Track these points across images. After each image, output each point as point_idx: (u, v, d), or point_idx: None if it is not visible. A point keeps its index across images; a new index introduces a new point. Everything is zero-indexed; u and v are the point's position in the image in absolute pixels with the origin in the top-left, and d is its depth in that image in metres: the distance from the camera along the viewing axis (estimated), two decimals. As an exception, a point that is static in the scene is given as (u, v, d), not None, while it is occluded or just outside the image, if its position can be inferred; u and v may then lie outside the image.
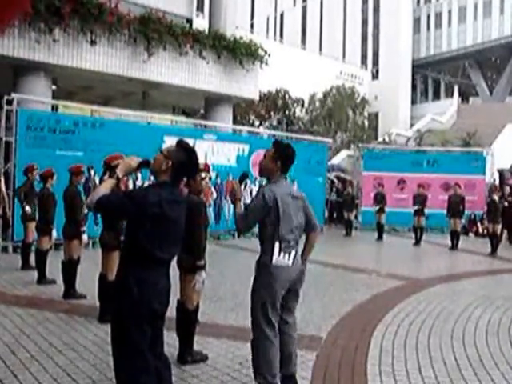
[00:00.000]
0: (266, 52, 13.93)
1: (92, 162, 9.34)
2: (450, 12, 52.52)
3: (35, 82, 10.65)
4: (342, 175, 21.02)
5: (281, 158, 3.20)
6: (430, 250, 12.12)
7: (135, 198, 2.58)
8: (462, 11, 51.68)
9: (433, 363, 4.15)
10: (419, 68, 51.74)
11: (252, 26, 49.89)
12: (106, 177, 2.81)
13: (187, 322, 3.98)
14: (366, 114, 38.08)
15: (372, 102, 40.48)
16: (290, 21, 54.48)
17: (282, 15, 56.03)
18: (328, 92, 35.79)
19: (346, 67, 44.58)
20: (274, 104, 31.15)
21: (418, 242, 12.63)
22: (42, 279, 6.67)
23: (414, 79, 50.16)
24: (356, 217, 16.07)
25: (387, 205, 13.78)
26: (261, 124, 30.38)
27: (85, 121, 10.10)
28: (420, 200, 12.82)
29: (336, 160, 28.08)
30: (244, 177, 3.41)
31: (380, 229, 13.51)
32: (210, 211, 11.50)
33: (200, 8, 24.48)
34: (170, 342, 3.92)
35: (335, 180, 19.30)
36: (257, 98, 15.76)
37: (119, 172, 2.67)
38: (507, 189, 13.72)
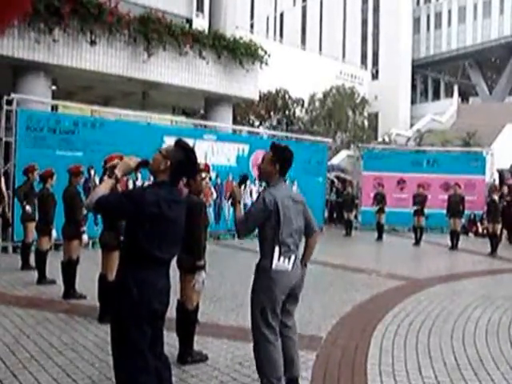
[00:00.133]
0: (265, 52, 13.93)
1: (92, 162, 9.35)
2: (449, 12, 52.53)
3: (35, 82, 10.65)
4: (342, 175, 21.02)
5: (279, 160, 3.19)
6: (430, 250, 12.12)
7: (133, 198, 2.58)
8: (461, 11, 51.68)
9: (433, 363, 4.15)
10: (419, 68, 51.76)
11: (252, 26, 49.90)
12: (105, 177, 2.81)
13: (187, 322, 3.98)
14: (365, 114, 38.05)
15: (372, 102, 40.46)
16: (290, 21, 54.47)
17: (281, 15, 56.02)
18: (328, 92, 35.77)
19: (346, 67, 44.57)
20: (274, 104, 31.13)
21: (417, 241, 12.63)
22: (42, 279, 6.67)
23: (413, 79, 50.17)
24: (356, 217, 16.08)
25: (387, 205, 13.79)
26: (261, 124, 30.37)
27: (85, 121, 10.09)
28: (419, 200, 12.82)
29: (336, 160, 28.07)
30: (244, 179, 3.40)
31: (380, 229, 13.51)
32: (210, 211, 11.50)
33: (200, 8, 24.49)
34: (170, 342, 3.92)
35: (335, 180, 19.30)
36: (257, 98, 15.76)
37: (118, 172, 2.66)
38: (505, 189, 13.73)
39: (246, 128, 17.94)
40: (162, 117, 12.72)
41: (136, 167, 2.70)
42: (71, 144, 9.66)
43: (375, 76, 48.10)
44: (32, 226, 7.47)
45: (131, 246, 2.61)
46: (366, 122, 37.98)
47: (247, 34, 17.40)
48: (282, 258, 3.10)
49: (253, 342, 3.19)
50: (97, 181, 9.38)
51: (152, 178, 2.80)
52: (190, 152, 2.72)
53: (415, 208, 12.81)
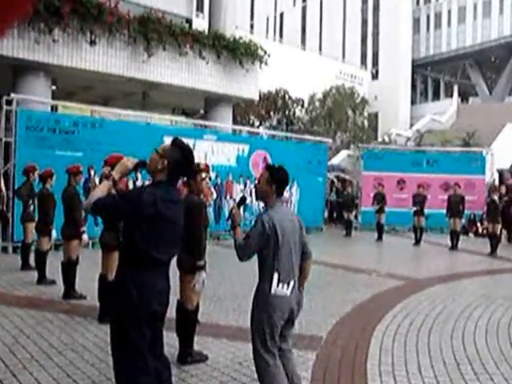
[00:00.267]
0: (265, 52, 13.93)
1: (92, 163, 9.34)
2: (449, 12, 52.54)
3: (35, 82, 10.65)
4: (342, 175, 21.02)
5: (275, 181, 3.18)
6: (430, 250, 12.12)
7: (130, 199, 2.58)
8: (461, 11, 51.68)
9: (433, 363, 4.15)
10: (419, 68, 51.77)
11: (252, 26, 49.90)
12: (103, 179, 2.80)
13: (187, 322, 3.98)
14: (365, 114, 38.04)
15: (372, 102, 40.46)
16: (290, 21, 54.47)
17: (281, 15, 56.02)
18: (328, 92, 35.76)
19: (346, 67, 44.57)
20: (274, 104, 31.12)
21: (417, 241, 12.63)
22: (42, 280, 6.66)
23: (413, 79, 50.17)
24: (356, 217, 16.07)
25: (387, 205, 13.79)
26: (261, 124, 30.37)
27: (84, 121, 10.10)
28: (419, 200, 12.82)
29: (336, 160, 28.06)
30: (242, 201, 3.39)
31: (380, 229, 13.51)
32: (210, 211, 11.50)
33: (200, 8, 24.49)
34: (170, 342, 3.92)
35: (335, 180, 19.30)
36: (257, 98, 15.76)
37: (115, 174, 2.66)
38: (503, 188, 13.74)
39: (246, 128, 17.94)
40: (161, 117, 12.72)
41: (133, 168, 2.69)
42: (71, 144, 9.66)
43: (375, 76, 48.10)
44: (32, 226, 7.47)
45: (130, 247, 2.60)
46: (365, 122, 37.98)
47: (247, 34, 17.42)
48: (280, 284, 3.08)
49: (255, 367, 3.18)
50: (97, 181, 9.36)
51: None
52: (186, 151, 2.70)
53: (415, 208, 12.81)
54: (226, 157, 12.37)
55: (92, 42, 10.73)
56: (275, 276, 3.06)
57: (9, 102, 9.19)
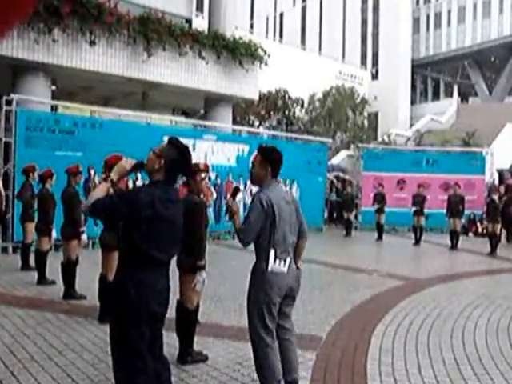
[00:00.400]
0: (265, 52, 13.93)
1: (92, 163, 9.34)
2: (449, 12, 52.54)
3: (34, 82, 10.65)
4: (341, 175, 21.01)
5: (270, 162, 3.17)
6: (430, 250, 12.12)
7: (128, 199, 2.58)
8: (461, 11, 51.69)
9: (432, 363, 4.15)
10: (419, 68, 51.76)
11: (252, 26, 49.89)
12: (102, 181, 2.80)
13: (187, 322, 3.98)
14: (365, 114, 38.04)
15: (372, 102, 40.47)
16: (290, 21, 54.48)
17: (281, 15, 56.03)
18: (328, 92, 35.77)
19: (346, 67, 44.58)
20: (274, 104, 31.12)
21: (417, 241, 12.63)
22: (42, 280, 6.66)
23: (413, 79, 50.17)
24: (356, 217, 16.08)
25: (387, 205, 13.79)
26: (260, 124, 30.37)
27: (84, 121, 10.10)
28: (419, 200, 12.82)
29: (336, 160, 28.07)
30: (236, 191, 3.39)
31: (380, 229, 13.51)
32: (210, 211, 11.50)
33: (199, 8, 24.50)
34: (170, 342, 3.93)
35: (334, 180, 19.30)
36: (256, 98, 15.76)
37: (113, 175, 2.66)
38: (502, 188, 13.76)
39: (245, 128, 17.95)
40: (161, 117, 12.72)
41: (131, 169, 2.69)
42: (71, 144, 9.66)
43: (375, 76, 48.11)
44: (31, 226, 7.47)
45: (128, 247, 2.60)
46: (365, 122, 37.99)
47: (247, 34, 17.41)
48: (277, 261, 3.08)
49: (251, 345, 3.19)
50: (97, 181, 9.37)
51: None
52: (183, 149, 2.70)
53: (415, 208, 12.81)
54: (226, 157, 12.37)
55: (92, 42, 10.73)
56: (272, 252, 3.07)
57: (8, 102, 9.19)
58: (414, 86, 51.24)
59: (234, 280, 7.25)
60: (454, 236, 11.96)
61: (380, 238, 13.43)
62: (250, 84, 14.06)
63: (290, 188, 14.00)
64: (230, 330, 4.88)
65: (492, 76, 52.84)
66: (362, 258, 10.65)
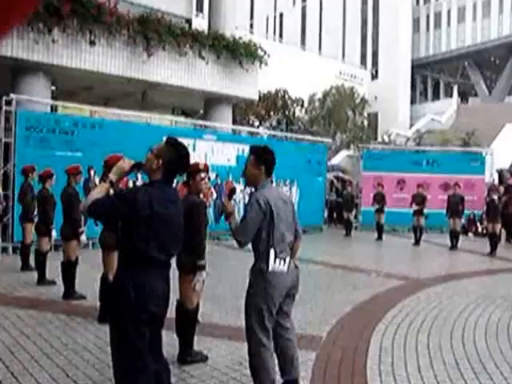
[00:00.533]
0: (265, 52, 13.93)
1: (91, 163, 9.31)
2: (449, 12, 52.55)
3: (34, 82, 10.64)
4: (341, 175, 21.02)
5: (264, 161, 3.17)
6: (430, 250, 12.12)
7: (126, 199, 2.57)
8: (461, 11, 51.70)
9: (432, 363, 4.15)
10: (418, 68, 51.77)
11: (251, 26, 49.89)
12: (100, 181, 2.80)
13: (187, 322, 3.98)
14: (365, 114, 38.06)
15: (371, 102, 40.48)
16: (290, 21, 54.49)
17: (281, 15, 56.04)
18: (327, 92, 35.78)
19: (346, 67, 44.59)
20: (274, 104, 31.13)
21: (417, 241, 12.63)
22: (42, 280, 6.66)
23: (413, 79, 50.18)
24: (356, 217, 16.08)
25: (387, 205, 13.79)
26: (260, 124, 30.38)
27: (84, 121, 10.09)
28: (419, 200, 12.81)
29: (336, 160, 28.10)
30: (232, 192, 3.40)
31: (379, 229, 13.52)
32: (210, 211, 11.50)
33: (199, 8, 24.51)
34: (170, 342, 3.92)
35: (334, 180, 19.30)
36: (256, 98, 15.76)
37: (112, 176, 2.66)
38: (501, 188, 13.76)
39: (245, 128, 17.95)
40: (161, 117, 12.73)
41: (130, 170, 2.69)
42: (71, 144, 9.66)
43: (375, 76, 48.12)
44: (31, 226, 7.46)
45: (127, 247, 2.60)
46: (365, 122, 38.01)
47: (247, 34, 17.39)
48: (277, 261, 3.08)
49: (247, 345, 3.18)
50: (97, 181, 9.37)
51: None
52: (181, 149, 2.70)
53: (414, 208, 12.81)
54: (226, 157, 12.37)
55: (91, 43, 10.73)
56: (271, 252, 3.06)
57: (8, 103, 9.19)
58: (413, 86, 51.25)
59: (234, 280, 7.25)
60: (454, 236, 11.97)
61: (380, 237, 13.44)
62: (250, 84, 14.06)
63: (290, 188, 14.01)
64: (229, 330, 4.88)
65: (492, 76, 52.84)
66: (361, 258, 10.65)
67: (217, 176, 12.05)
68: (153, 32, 11.51)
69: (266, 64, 14.02)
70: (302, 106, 33.73)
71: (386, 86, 45.26)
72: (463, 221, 13.74)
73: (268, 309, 3.07)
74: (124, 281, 2.55)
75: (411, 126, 41.69)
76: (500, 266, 9.78)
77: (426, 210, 12.88)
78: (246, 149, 12.87)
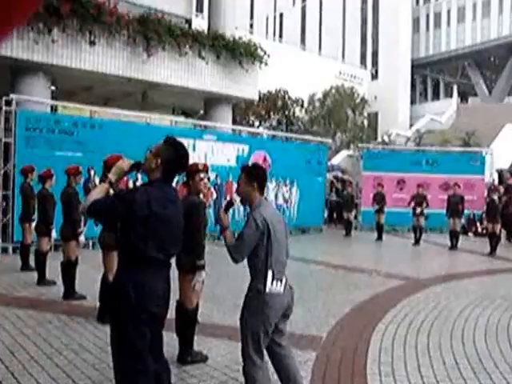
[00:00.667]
0: (265, 52, 13.93)
1: (91, 163, 9.32)
2: (449, 12, 52.57)
3: (34, 82, 10.64)
4: (340, 175, 21.03)
5: (255, 178, 3.17)
6: (430, 250, 12.12)
7: (125, 199, 2.57)
8: (460, 11, 51.72)
9: (432, 362, 4.16)
10: (418, 68, 51.78)
11: (251, 26, 49.90)
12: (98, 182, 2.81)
13: (187, 322, 3.98)
14: (365, 114, 38.07)
15: (371, 102, 40.49)
16: (290, 21, 54.49)
17: (281, 15, 56.05)
18: (327, 92, 35.79)
19: (346, 67, 44.60)
20: (274, 104, 31.14)
21: (417, 241, 12.64)
22: (42, 280, 6.66)
23: (413, 79, 50.20)
24: (356, 217, 16.08)
25: (387, 205, 13.80)
26: (260, 124, 30.39)
27: (84, 121, 10.09)
28: (420, 201, 12.81)
29: (336, 160, 28.11)
30: (229, 205, 3.40)
31: (379, 229, 13.52)
32: (210, 212, 11.50)
33: (199, 8, 24.51)
34: (170, 342, 3.92)
35: (334, 180, 19.31)
36: (256, 98, 15.76)
37: (111, 176, 2.66)
38: (501, 188, 13.77)
39: (245, 128, 17.94)
40: (161, 117, 12.72)
41: (129, 169, 2.69)
42: (70, 145, 9.65)
43: (375, 76, 48.13)
44: (31, 226, 7.46)
45: (127, 247, 2.60)
46: (365, 122, 38.02)
47: (246, 34, 17.41)
48: (274, 282, 3.07)
49: (242, 366, 3.17)
50: (97, 181, 9.37)
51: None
52: (179, 147, 2.70)
53: (419, 209, 12.79)
54: (226, 157, 12.37)
55: (91, 43, 10.73)
56: (269, 273, 3.04)
57: (8, 103, 9.18)
58: (413, 86, 51.27)
59: (234, 280, 7.25)
60: (454, 236, 11.97)
61: (380, 237, 13.44)
62: (250, 84, 14.06)
63: (290, 188, 14.01)
64: (229, 330, 4.88)
65: (492, 76, 52.85)
66: (361, 258, 10.65)
67: (217, 176, 12.05)
68: (153, 32, 11.51)
69: (266, 64, 14.02)
70: (302, 106, 33.74)
71: (386, 86, 45.28)
72: (463, 221, 13.75)
73: (264, 329, 3.05)
74: (124, 281, 2.55)
75: (411, 126, 41.69)
76: (500, 265, 9.78)
77: (425, 210, 12.89)
78: (246, 149, 12.94)
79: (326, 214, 16.24)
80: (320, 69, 39.07)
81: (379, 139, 34.54)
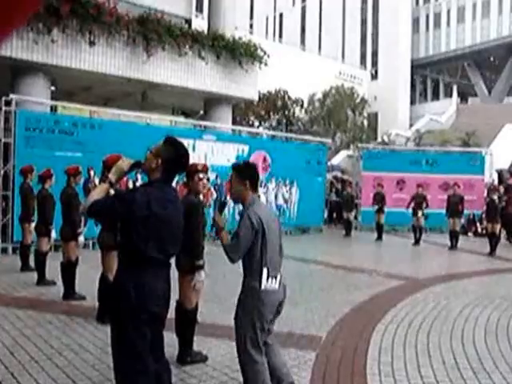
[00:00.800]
0: (265, 52, 13.93)
1: (91, 163, 9.32)
2: (448, 12, 52.58)
3: (34, 82, 10.64)
4: (340, 175, 21.03)
5: (247, 177, 3.17)
6: (430, 250, 12.12)
7: (125, 200, 2.57)
8: (460, 11, 51.74)
9: (432, 362, 4.16)
10: (418, 68, 51.80)
11: (251, 26, 49.91)
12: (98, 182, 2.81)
13: (186, 322, 3.98)
14: (365, 114, 38.08)
15: (371, 102, 40.50)
16: (290, 21, 54.50)
17: (281, 15, 56.05)
18: (327, 92, 35.80)
19: (346, 67, 44.62)
20: (274, 104, 31.15)
21: (417, 241, 12.64)
22: (42, 280, 6.66)
23: (413, 79, 50.21)
24: (356, 217, 16.09)
25: (387, 205, 13.80)
26: (260, 124, 30.39)
27: (84, 122, 10.09)
28: (420, 201, 12.81)
29: (335, 160, 28.10)
30: (222, 206, 3.39)
31: (379, 229, 13.52)
32: (210, 212, 11.49)
33: (199, 8, 24.51)
34: (170, 342, 3.92)
35: (333, 180, 19.31)
36: (256, 98, 15.76)
37: (111, 176, 2.66)
38: (501, 188, 13.77)
39: (245, 128, 17.95)
40: (161, 117, 12.71)
41: (129, 169, 2.69)
42: (70, 145, 9.65)
43: (374, 76, 48.14)
44: (31, 227, 7.46)
45: (127, 248, 2.60)
46: (365, 122, 38.02)
47: (246, 35, 17.40)
48: (269, 279, 3.08)
49: (239, 363, 3.16)
50: (96, 181, 9.37)
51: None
52: (179, 147, 2.70)
53: (414, 208, 12.80)
54: (226, 157, 12.36)
55: (91, 43, 10.72)
56: (264, 271, 3.05)
57: (8, 103, 9.18)
58: (413, 86, 51.28)
59: (233, 280, 7.24)
60: (454, 236, 11.97)
61: (380, 237, 13.44)
62: (250, 84, 14.06)
63: (290, 188, 14.02)
64: (229, 330, 4.86)
65: (491, 76, 52.87)
66: (361, 258, 10.65)
67: (217, 176, 12.05)
68: (152, 32, 11.50)
69: (266, 64, 14.01)
70: (302, 106, 33.75)
71: (386, 86, 45.28)
72: (463, 221, 13.75)
73: (262, 327, 3.06)
74: (124, 281, 2.55)
75: (411, 126, 41.69)
76: (500, 265, 9.78)
77: (425, 210, 12.89)
78: (246, 149, 12.94)
79: (325, 214, 16.24)
80: (320, 69, 39.07)
81: (379, 139, 34.53)
